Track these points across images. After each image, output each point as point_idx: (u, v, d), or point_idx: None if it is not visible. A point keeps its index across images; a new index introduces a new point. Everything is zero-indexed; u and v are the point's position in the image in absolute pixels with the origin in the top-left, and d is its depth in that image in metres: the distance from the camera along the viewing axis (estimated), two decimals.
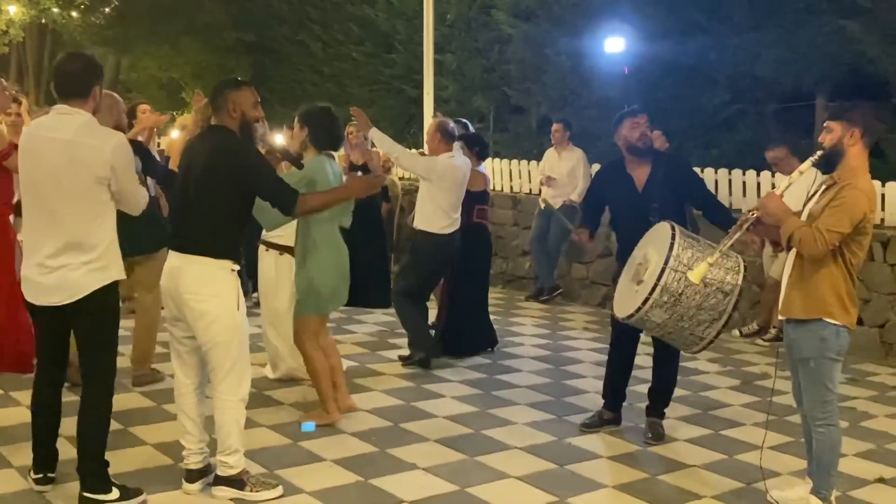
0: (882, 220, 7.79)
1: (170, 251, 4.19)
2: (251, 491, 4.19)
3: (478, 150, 7.18)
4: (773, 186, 8.15)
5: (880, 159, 9.05)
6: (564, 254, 9.71)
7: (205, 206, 4.08)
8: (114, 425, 5.02)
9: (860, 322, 7.55)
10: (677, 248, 4.55)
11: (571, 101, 11.59)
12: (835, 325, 4.03)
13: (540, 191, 9.85)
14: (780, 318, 4.22)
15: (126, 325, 7.08)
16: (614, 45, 10.40)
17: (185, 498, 4.22)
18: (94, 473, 4.02)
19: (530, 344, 7.61)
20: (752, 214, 4.17)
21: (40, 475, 4.19)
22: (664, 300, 4.52)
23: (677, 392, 5.59)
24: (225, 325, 4.06)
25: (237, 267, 4.14)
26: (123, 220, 4.20)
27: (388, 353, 7.06)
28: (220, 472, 4.21)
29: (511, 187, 10.91)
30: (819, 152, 4.11)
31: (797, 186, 4.24)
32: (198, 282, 4.06)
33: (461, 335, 7.09)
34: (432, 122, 7.15)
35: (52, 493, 4.19)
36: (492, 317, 8.30)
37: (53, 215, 3.91)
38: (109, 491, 4.02)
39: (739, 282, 4.54)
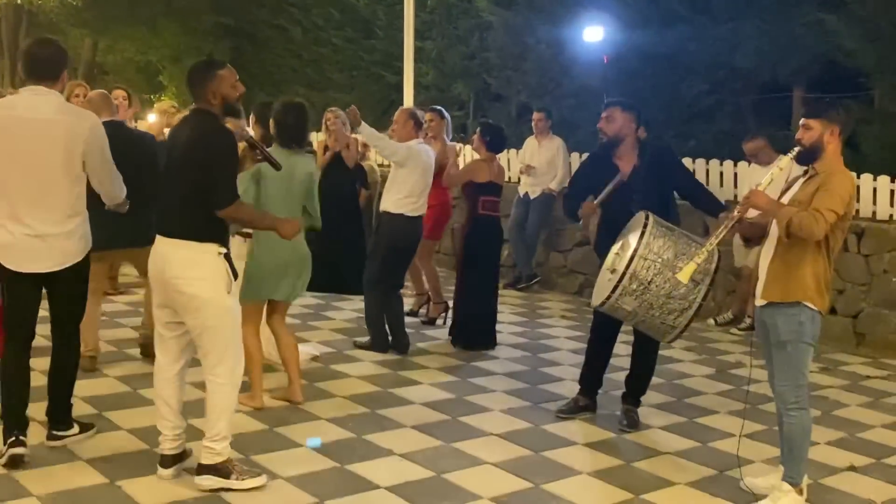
0: (857, 210, 7.87)
1: (156, 236, 4.13)
2: (237, 479, 4.11)
3: (488, 140, 7.06)
4: (750, 178, 8.20)
5: (855, 151, 9.13)
6: (542, 242, 9.74)
7: (187, 189, 4.02)
8: (88, 410, 5.06)
9: (833, 312, 7.65)
10: (648, 237, 4.62)
11: (551, 89, 11.59)
12: (811, 309, 4.13)
13: (519, 179, 9.86)
14: (759, 302, 4.27)
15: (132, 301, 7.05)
16: (593, 34, 10.40)
17: (159, 484, 4.20)
18: (63, 413, 4.59)
19: (507, 332, 7.62)
20: (737, 213, 4.25)
21: (13, 439, 4.26)
22: (633, 288, 4.58)
23: (652, 380, 5.63)
24: (215, 308, 4.01)
25: (224, 250, 4.06)
26: (122, 215, 4.87)
27: (366, 339, 7.04)
28: (206, 459, 4.11)
29: None
30: (797, 149, 4.20)
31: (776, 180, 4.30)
32: (184, 266, 4.00)
33: (472, 330, 6.98)
34: (404, 109, 7.13)
35: (25, 476, 4.17)
36: None
37: (40, 189, 4.20)
38: (72, 427, 4.62)
39: (711, 271, 4.59)
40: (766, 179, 4.25)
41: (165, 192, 4.17)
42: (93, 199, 5.27)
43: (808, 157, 4.22)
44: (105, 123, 5.59)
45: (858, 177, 7.88)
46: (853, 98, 9.56)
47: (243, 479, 4.13)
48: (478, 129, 7.23)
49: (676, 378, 6.47)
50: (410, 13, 10.54)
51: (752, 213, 4.38)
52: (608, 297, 4.66)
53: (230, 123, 4.34)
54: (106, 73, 19.64)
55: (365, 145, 8.69)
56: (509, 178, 10.59)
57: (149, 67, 19.32)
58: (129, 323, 6.98)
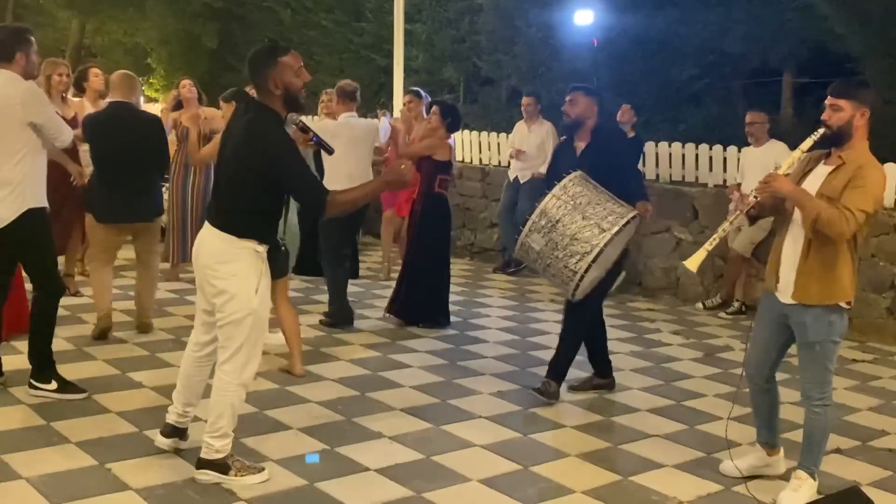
0: None
1: (206, 220, 4.09)
2: (235, 475, 4.04)
3: (449, 121, 7.09)
4: (739, 161, 8.23)
5: None
6: None
7: (233, 185, 3.94)
8: None
9: None
10: (566, 181, 4.80)
11: (541, 73, 11.59)
12: (842, 308, 4.02)
13: (509, 164, 9.86)
14: (787, 300, 4.07)
15: (121, 285, 7.04)
16: (584, 17, 10.39)
17: (149, 466, 4.20)
18: (41, 365, 4.98)
19: (497, 315, 7.65)
20: (753, 199, 4.03)
21: None
22: (542, 224, 4.73)
23: (641, 363, 5.66)
24: (240, 304, 3.91)
25: (262, 248, 3.97)
26: (130, 191, 5.94)
27: (355, 322, 7.06)
28: (205, 454, 4.05)
29: (480, 159, 10.91)
30: (822, 130, 3.94)
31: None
32: (217, 258, 3.92)
33: (416, 306, 7.06)
34: (338, 84, 7.14)
35: (14, 459, 4.17)
36: (459, 288, 8.37)
37: None
38: (49, 382, 4.96)
39: (619, 225, 4.68)
40: (787, 162, 4.05)
41: (217, 180, 4.11)
42: (109, 178, 5.98)
43: (834, 141, 3.94)
44: (115, 103, 6.12)
45: None
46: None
47: (242, 476, 4.06)
48: (436, 109, 7.15)
49: (664, 361, 6.50)
50: None
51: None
52: (520, 234, 4.87)
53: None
54: (94, 56, 19.51)
55: None
56: (499, 161, 10.62)
57: (137, 49, 19.21)
58: (117, 307, 6.95)
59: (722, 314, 8.03)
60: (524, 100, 9.73)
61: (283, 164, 3.86)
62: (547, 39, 11.39)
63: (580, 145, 5.46)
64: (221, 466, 4.05)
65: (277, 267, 4.13)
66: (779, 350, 4.27)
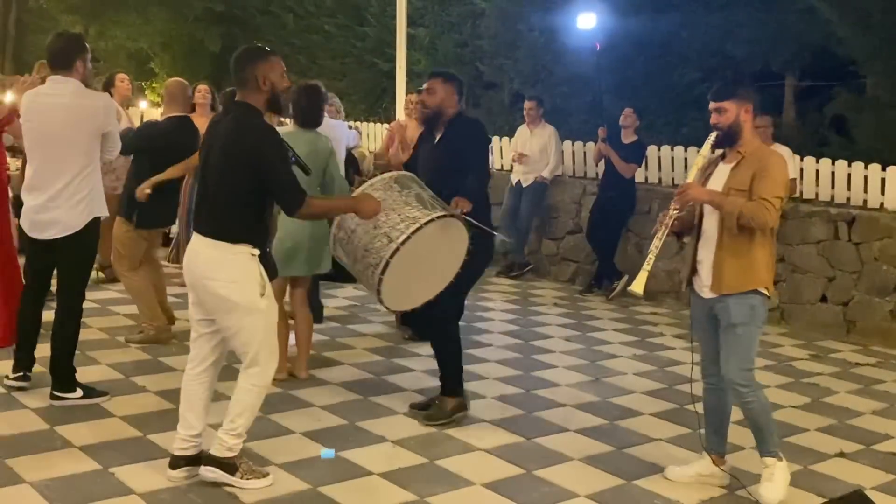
0: (848, 199, 7.91)
1: (193, 232, 4.05)
2: (241, 478, 4.02)
3: None
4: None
5: (846, 139, 9.16)
6: (535, 230, 9.75)
7: (221, 189, 3.89)
8: None
9: (824, 299, 7.69)
10: (366, 185, 4.62)
11: (544, 77, 11.59)
12: (763, 294, 4.13)
13: (511, 167, 9.87)
14: (707, 294, 4.20)
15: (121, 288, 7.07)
16: (586, 21, 10.39)
17: (153, 470, 4.19)
18: (63, 376, 4.94)
19: (500, 319, 7.65)
20: (673, 210, 4.17)
21: (19, 374, 5.06)
22: (341, 236, 4.63)
23: (644, 366, 5.63)
24: (245, 310, 3.88)
25: (257, 251, 3.94)
26: (167, 197, 6.14)
27: (359, 326, 7.07)
28: (215, 451, 4.02)
29: None
30: (715, 133, 4.15)
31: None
32: (214, 267, 3.88)
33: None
34: None
35: (18, 463, 4.18)
36: None
37: (55, 164, 4.76)
38: (74, 391, 4.96)
39: (408, 232, 4.39)
40: (692, 170, 4.22)
41: (200, 188, 4.04)
42: (160, 187, 6.08)
43: (728, 139, 4.16)
44: (173, 118, 6.29)
45: (849, 164, 7.92)
46: (845, 86, 9.60)
47: (248, 479, 4.04)
48: None
49: (667, 365, 6.50)
50: (403, 0, 10.51)
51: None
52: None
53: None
54: (97, 60, 19.52)
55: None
56: (502, 165, 10.61)
57: (140, 54, 19.23)
58: (122, 311, 6.97)
59: None
60: (526, 104, 9.74)
61: (269, 157, 3.86)
62: (549, 43, 11.39)
63: (437, 135, 5.18)
64: (229, 466, 4.03)
65: (267, 270, 4.11)
66: (719, 344, 4.33)
